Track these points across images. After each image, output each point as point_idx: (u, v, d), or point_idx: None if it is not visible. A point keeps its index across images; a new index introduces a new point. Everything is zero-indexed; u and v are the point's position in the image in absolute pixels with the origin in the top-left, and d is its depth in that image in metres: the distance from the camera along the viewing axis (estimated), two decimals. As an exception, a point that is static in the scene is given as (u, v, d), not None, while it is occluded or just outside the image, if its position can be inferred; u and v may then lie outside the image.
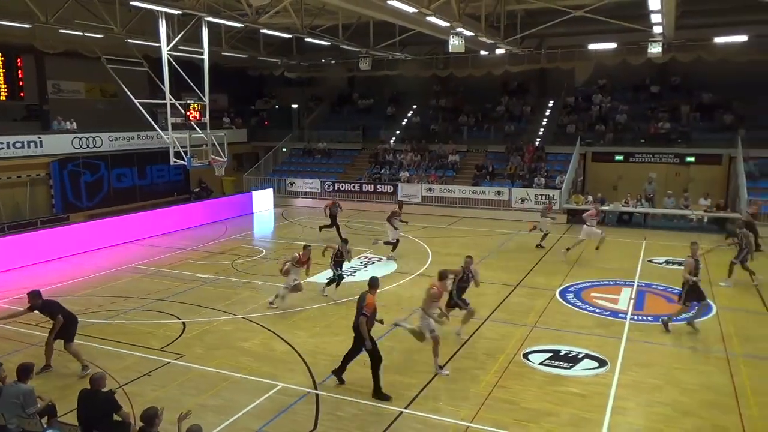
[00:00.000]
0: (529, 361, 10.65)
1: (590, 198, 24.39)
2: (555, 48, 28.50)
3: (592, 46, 27.07)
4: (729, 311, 13.28)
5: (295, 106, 36.75)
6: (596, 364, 10.49)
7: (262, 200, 28.27)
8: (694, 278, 11.71)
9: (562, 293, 14.68)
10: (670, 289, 14.74)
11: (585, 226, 18.05)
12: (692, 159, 26.01)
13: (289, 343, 11.40)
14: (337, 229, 20.17)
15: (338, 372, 9.57)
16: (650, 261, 17.93)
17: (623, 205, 23.99)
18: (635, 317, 12.95)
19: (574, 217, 23.56)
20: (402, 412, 8.79)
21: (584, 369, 10.32)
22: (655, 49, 22.69)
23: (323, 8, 21.43)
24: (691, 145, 26.24)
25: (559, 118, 30.34)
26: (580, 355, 10.84)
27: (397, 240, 18.24)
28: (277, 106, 37.81)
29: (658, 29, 20.19)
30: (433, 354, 10.09)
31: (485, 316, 12.82)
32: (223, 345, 11.42)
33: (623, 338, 11.72)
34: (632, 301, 14.03)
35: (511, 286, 15.21)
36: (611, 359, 10.66)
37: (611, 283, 15.62)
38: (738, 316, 13.08)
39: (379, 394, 9.12)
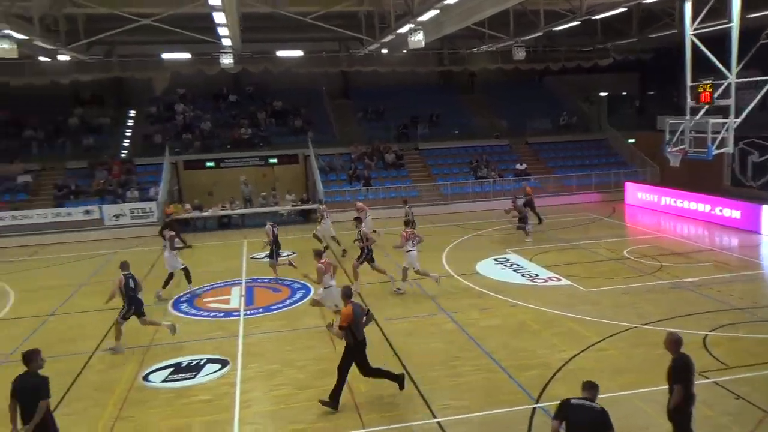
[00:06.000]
0: (151, 381, 10.03)
1: (188, 206, 24.42)
2: (127, 56, 27.41)
3: (166, 56, 27.01)
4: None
5: None
6: (219, 366, 10.55)
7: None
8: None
9: (176, 305, 14.28)
10: (273, 280, 15.96)
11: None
12: (275, 160, 28.57)
13: None
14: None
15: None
16: (253, 258, 18.98)
17: (221, 209, 24.77)
18: (248, 312, 13.52)
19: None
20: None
21: (208, 374, 10.26)
22: (226, 60, 23.98)
23: None
24: (272, 147, 28.81)
25: (144, 128, 29.35)
26: (203, 362, 10.74)
27: None
28: None
29: (227, 42, 21.30)
30: None
31: (92, 349, 11.53)
32: None
33: (240, 335, 12.10)
34: (243, 298, 14.61)
35: (116, 309, 13.95)
36: (232, 357, 10.88)
37: (221, 285, 15.95)
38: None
39: None
